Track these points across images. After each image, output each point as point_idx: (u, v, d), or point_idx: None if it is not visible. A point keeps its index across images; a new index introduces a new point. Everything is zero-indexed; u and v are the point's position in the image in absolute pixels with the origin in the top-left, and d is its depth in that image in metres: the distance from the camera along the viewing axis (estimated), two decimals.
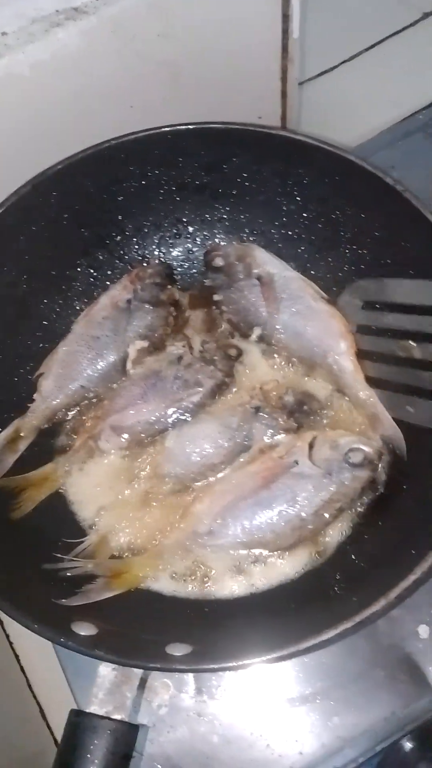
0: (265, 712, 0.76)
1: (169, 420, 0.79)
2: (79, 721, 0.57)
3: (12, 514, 0.73)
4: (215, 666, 0.59)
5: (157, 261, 0.87)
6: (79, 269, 0.85)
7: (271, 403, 0.79)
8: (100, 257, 0.86)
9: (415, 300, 0.73)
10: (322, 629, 0.59)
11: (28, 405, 0.80)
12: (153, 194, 0.84)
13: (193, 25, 0.81)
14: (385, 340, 0.77)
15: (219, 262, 0.83)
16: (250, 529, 0.72)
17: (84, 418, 0.81)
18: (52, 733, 0.95)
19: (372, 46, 1.15)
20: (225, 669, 0.59)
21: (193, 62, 0.85)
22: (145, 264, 0.86)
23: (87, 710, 0.58)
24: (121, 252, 0.87)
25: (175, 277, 0.87)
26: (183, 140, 0.80)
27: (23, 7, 0.72)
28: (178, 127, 0.78)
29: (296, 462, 0.73)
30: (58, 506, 0.77)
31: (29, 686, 0.97)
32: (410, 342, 0.74)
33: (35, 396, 0.80)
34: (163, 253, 0.89)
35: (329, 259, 0.85)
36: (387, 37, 1.15)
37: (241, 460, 0.77)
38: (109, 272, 0.87)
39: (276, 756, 0.74)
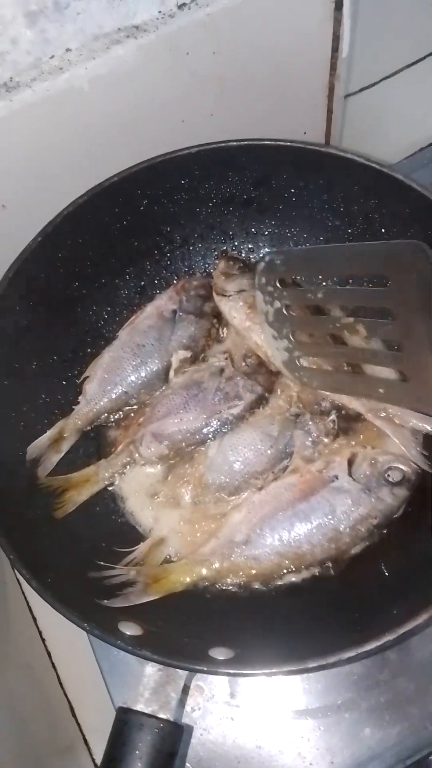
0: (297, 719, 0.78)
1: (209, 430, 0.81)
2: (127, 719, 0.59)
3: (54, 513, 0.75)
4: (258, 672, 0.61)
5: (202, 273, 0.89)
6: (127, 278, 0.88)
7: (309, 409, 0.81)
8: (148, 267, 0.89)
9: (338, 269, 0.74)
10: (364, 640, 0.60)
11: (73, 407, 0.82)
12: (201, 207, 0.86)
13: (246, 44, 0.83)
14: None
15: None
16: (288, 540, 0.73)
17: (126, 423, 0.84)
18: (80, 729, 0.96)
19: (414, 63, 1.15)
20: (267, 674, 0.61)
21: (244, 79, 0.87)
22: (190, 275, 0.89)
23: (134, 708, 0.60)
24: (168, 263, 0.90)
25: None
26: (233, 156, 0.82)
27: (87, 25, 0.74)
28: (230, 143, 0.81)
29: (336, 477, 0.75)
30: (107, 510, 0.80)
31: (60, 682, 0.99)
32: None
33: (80, 399, 0.82)
34: (209, 264, 0.91)
35: None
36: (429, 54, 1.16)
37: (282, 468, 0.79)
38: (155, 282, 0.90)
39: (307, 764, 0.76)
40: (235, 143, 0.81)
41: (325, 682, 0.79)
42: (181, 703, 0.61)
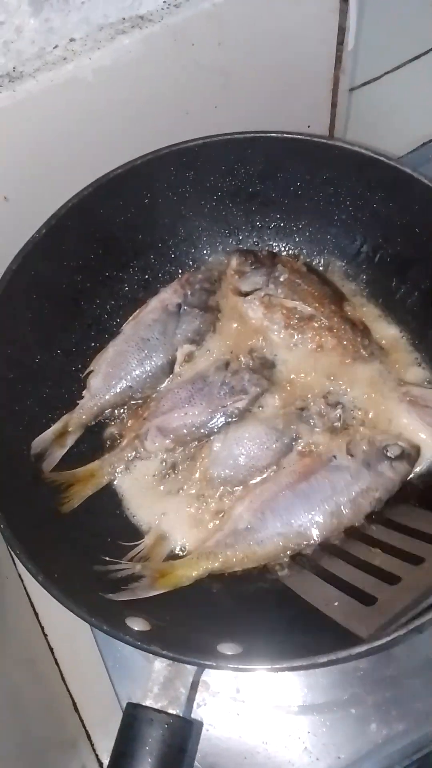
0: (304, 715, 0.77)
1: (214, 424, 0.80)
2: (137, 714, 0.58)
3: (60, 508, 0.75)
4: (267, 667, 0.60)
5: (207, 266, 0.88)
6: (131, 271, 0.87)
7: (316, 403, 0.81)
8: (152, 260, 0.88)
9: None
10: (374, 637, 0.59)
11: (77, 402, 0.81)
12: (206, 200, 0.86)
13: (252, 35, 0.82)
14: None
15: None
16: (290, 521, 0.73)
17: (131, 418, 0.83)
18: (83, 724, 0.96)
19: (419, 56, 1.13)
20: (276, 670, 0.60)
21: (249, 70, 0.86)
22: (195, 269, 0.88)
23: (143, 704, 0.60)
24: (173, 256, 0.89)
25: None
26: (239, 148, 0.81)
27: (91, 15, 0.73)
28: (236, 136, 0.80)
29: (334, 457, 0.75)
30: (111, 505, 0.79)
31: (62, 678, 0.98)
32: None
33: (84, 393, 0.82)
34: (214, 258, 0.90)
35: (384, 270, 0.87)
36: None
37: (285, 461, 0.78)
38: (159, 275, 0.89)
39: (313, 759, 0.75)
40: (241, 135, 0.80)
41: (331, 678, 0.79)
42: (191, 698, 0.61)
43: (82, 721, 0.97)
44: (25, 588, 0.99)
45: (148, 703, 0.60)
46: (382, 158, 0.77)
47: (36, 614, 1.01)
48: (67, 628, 0.96)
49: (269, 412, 0.82)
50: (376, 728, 0.76)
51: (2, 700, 0.83)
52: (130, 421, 0.82)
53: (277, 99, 0.91)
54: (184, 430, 0.80)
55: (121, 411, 0.83)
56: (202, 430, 0.80)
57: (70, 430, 0.79)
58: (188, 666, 0.62)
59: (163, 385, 0.83)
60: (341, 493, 0.73)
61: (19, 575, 0.99)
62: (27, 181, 0.79)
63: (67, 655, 0.99)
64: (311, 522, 0.73)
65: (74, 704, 0.98)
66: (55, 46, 0.74)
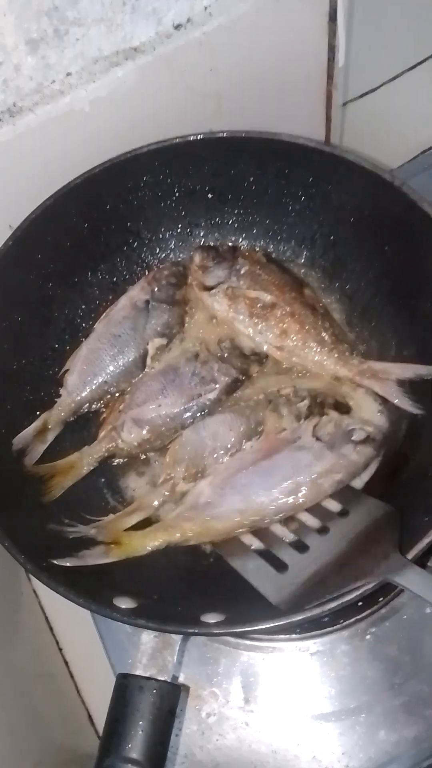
0: (312, 724, 0.78)
1: (188, 416, 0.83)
2: (127, 682, 0.61)
3: (42, 499, 0.78)
4: (245, 629, 0.63)
5: (172, 262, 0.92)
6: (99, 275, 0.91)
7: (284, 394, 0.83)
8: (119, 263, 0.92)
9: None
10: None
11: (55, 400, 0.85)
12: (166, 201, 0.90)
13: (243, 60, 0.85)
14: None
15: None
16: (248, 496, 0.73)
17: (107, 411, 0.86)
18: (99, 737, 0.98)
19: (414, 67, 1.12)
20: (256, 631, 0.63)
21: (241, 93, 0.89)
22: (161, 266, 0.92)
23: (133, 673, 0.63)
24: (138, 257, 0.93)
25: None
26: (189, 149, 0.84)
27: (86, 49, 0.75)
28: (188, 138, 0.84)
29: (299, 437, 0.76)
30: (91, 491, 0.83)
31: (78, 691, 1.00)
32: None
33: (61, 391, 0.85)
34: (179, 256, 0.94)
35: (340, 256, 0.91)
36: (428, 57, 1.12)
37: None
38: (127, 277, 0.92)
39: None
40: (192, 137, 0.84)
41: (340, 687, 0.80)
42: (178, 664, 0.64)
43: (97, 733, 0.99)
44: (39, 603, 1.01)
45: (137, 672, 0.63)
46: (324, 149, 0.82)
47: (51, 629, 1.02)
48: (81, 642, 0.97)
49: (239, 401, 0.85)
50: (386, 735, 0.77)
51: (22, 717, 0.86)
52: (106, 415, 0.86)
53: (271, 118, 0.91)
54: (159, 422, 0.83)
55: (99, 405, 0.86)
56: (177, 421, 0.83)
57: (49, 427, 0.82)
58: (174, 636, 0.66)
59: (137, 378, 0.87)
60: (302, 472, 0.73)
61: (34, 590, 1.01)
62: (30, 209, 0.81)
63: (82, 668, 1.01)
64: (270, 500, 0.73)
65: (90, 717, 1.00)
66: (53, 81, 0.76)
